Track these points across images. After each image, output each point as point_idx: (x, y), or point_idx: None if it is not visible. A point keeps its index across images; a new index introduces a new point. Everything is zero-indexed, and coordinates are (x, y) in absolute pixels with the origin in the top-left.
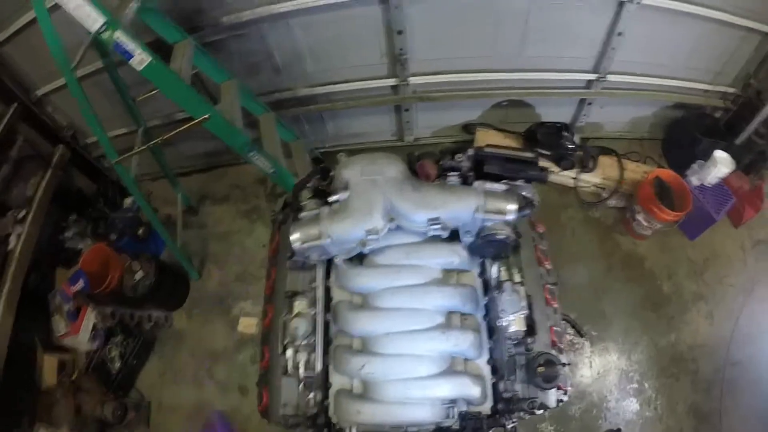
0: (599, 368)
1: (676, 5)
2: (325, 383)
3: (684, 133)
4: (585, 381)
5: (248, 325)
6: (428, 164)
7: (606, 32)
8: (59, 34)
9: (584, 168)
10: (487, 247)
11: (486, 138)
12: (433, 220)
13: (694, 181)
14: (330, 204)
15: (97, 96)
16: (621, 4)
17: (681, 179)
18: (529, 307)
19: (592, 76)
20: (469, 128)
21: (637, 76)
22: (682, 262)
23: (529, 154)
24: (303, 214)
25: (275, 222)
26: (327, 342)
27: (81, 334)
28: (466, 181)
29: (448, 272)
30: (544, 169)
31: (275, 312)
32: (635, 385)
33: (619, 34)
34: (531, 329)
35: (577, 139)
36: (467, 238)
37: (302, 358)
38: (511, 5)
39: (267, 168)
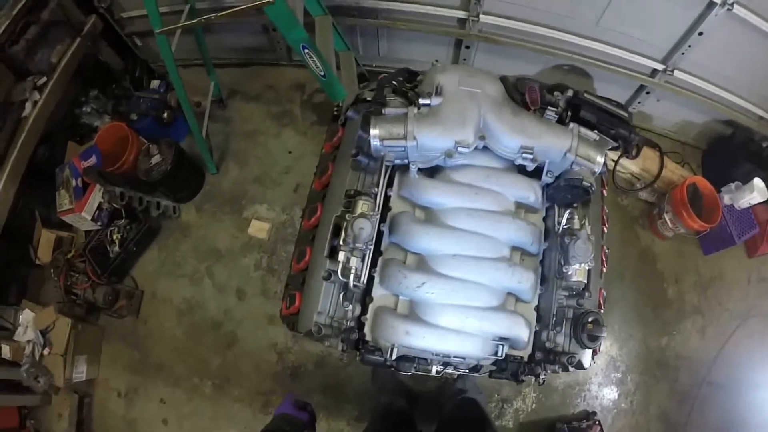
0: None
1: (764, 25)
2: (365, 297)
3: (727, 151)
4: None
5: (260, 229)
6: (538, 90)
7: (687, 27)
8: None
9: (627, 153)
10: (565, 191)
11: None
12: (527, 149)
13: (726, 200)
14: (419, 106)
15: None
16: (710, 5)
17: (715, 193)
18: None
19: (659, 66)
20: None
21: (702, 80)
22: (691, 273)
23: (624, 113)
24: (387, 110)
25: (338, 116)
26: (378, 254)
27: (84, 212)
28: (561, 121)
29: (519, 208)
30: (634, 131)
31: (327, 210)
32: (619, 375)
33: (700, 33)
34: (587, 285)
35: (632, 120)
36: (547, 178)
37: (354, 263)
38: None
39: (318, 70)
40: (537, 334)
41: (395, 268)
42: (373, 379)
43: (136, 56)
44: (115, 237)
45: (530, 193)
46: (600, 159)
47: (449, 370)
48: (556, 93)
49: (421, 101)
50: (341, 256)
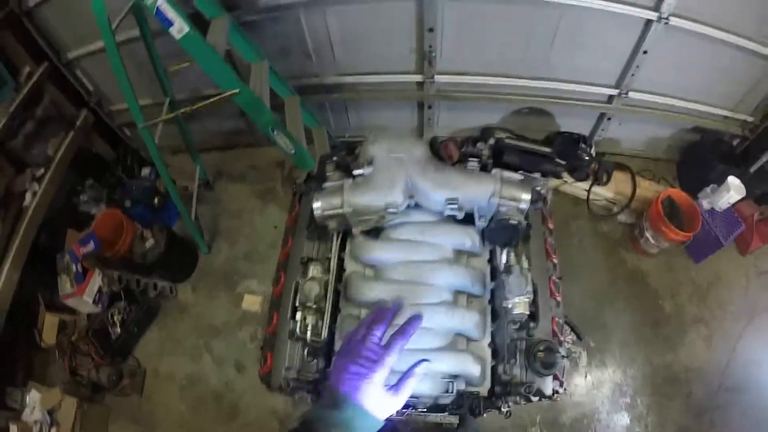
0: (594, 379)
1: (704, 30)
2: (329, 350)
3: (699, 157)
4: (579, 391)
5: (252, 302)
6: (452, 146)
7: (631, 49)
8: None
9: (598, 181)
10: (499, 232)
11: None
12: (451, 200)
13: (705, 204)
14: (354, 177)
15: (127, 65)
16: (648, 23)
17: (692, 201)
18: (534, 294)
19: (613, 92)
20: (487, 132)
21: (659, 95)
22: (686, 284)
23: (546, 149)
24: (327, 184)
25: (296, 193)
26: (335, 311)
27: (86, 296)
28: (485, 168)
29: (459, 254)
30: (559, 165)
31: (288, 277)
32: (628, 400)
33: (645, 52)
34: (534, 316)
35: (593, 151)
36: (481, 222)
37: (311, 321)
38: (542, 14)
39: (288, 148)
40: (494, 369)
41: (346, 321)
42: None
43: (126, 145)
44: (116, 318)
45: (465, 239)
46: (525, 196)
47: (411, 410)
48: (479, 143)
49: (355, 172)
50: (298, 315)
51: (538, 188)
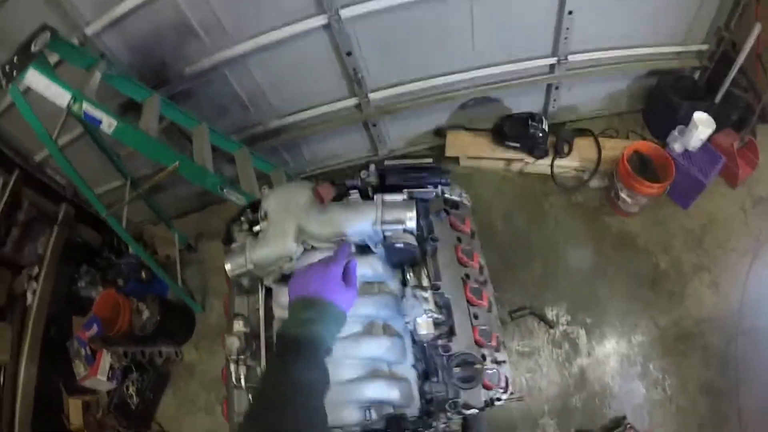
0: (598, 356)
1: None
2: None
3: (662, 101)
4: (585, 371)
5: None
6: (322, 188)
7: (555, 13)
8: (41, 106)
9: (559, 154)
10: (393, 255)
11: (457, 140)
12: (334, 236)
13: (677, 147)
14: (255, 234)
15: (87, 155)
16: None
17: (660, 149)
18: (447, 309)
19: (552, 60)
20: (440, 132)
21: (601, 50)
22: (678, 234)
23: (427, 160)
24: (233, 245)
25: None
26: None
27: (99, 375)
28: (368, 197)
29: (369, 284)
30: (446, 172)
31: (225, 332)
32: (639, 369)
33: (570, 12)
34: (452, 330)
35: (546, 126)
36: (378, 250)
37: (242, 371)
38: (453, 7)
39: (240, 201)
40: (421, 389)
41: None
42: None
43: (110, 228)
44: (131, 390)
45: (366, 269)
46: (409, 215)
47: None
48: (363, 172)
49: (254, 229)
50: (231, 366)
51: (446, 197)
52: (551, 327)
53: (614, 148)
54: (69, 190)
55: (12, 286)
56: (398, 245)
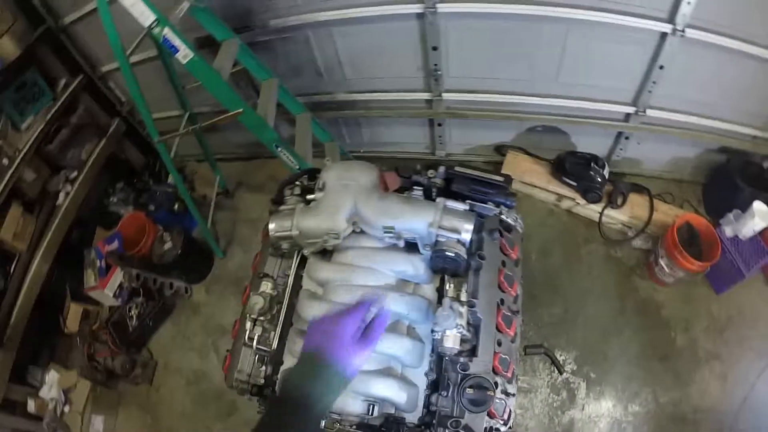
0: (591, 413)
1: (724, 41)
2: (278, 360)
3: (726, 180)
4: (574, 423)
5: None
6: (388, 176)
7: (647, 64)
8: (122, 21)
9: (612, 204)
10: (439, 262)
11: (515, 162)
12: (388, 228)
13: (728, 231)
14: (308, 202)
15: (153, 79)
16: (663, 36)
17: (712, 228)
18: (476, 329)
19: (630, 109)
20: (501, 150)
21: (680, 113)
22: (703, 317)
23: (498, 178)
24: (282, 207)
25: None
26: (288, 324)
27: (107, 290)
28: (430, 197)
29: (404, 282)
30: (511, 195)
31: (251, 289)
32: None
33: (661, 67)
34: (474, 350)
35: (607, 173)
36: (425, 252)
37: (257, 332)
38: (548, 29)
39: (291, 164)
40: (428, 398)
41: (292, 335)
42: None
43: (155, 153)
44: (133, 312)
45: (408, 267)
46: (466, 227)
47: (339, 427)
48: (431, 171)
49: (309, 197)
50: (248, 324)
51: (503, 218)
52: (560, 372)
53: (666, 213)
54: (125, 107)
55: (47, 183)
56: (449, 254)
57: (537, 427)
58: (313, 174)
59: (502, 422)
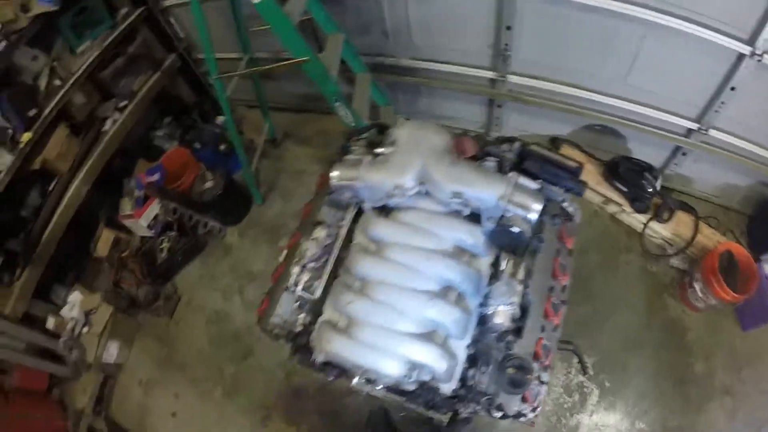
0: (598, 421)
1: None
2: (317, 310)
3: None
4: (579, 428)
5: None
6: (467, 141)
7: (719, 83)
8: None
9: (658, 217)
10: (502, 237)
11: (569, 156)
12: (457, 194)
13: (767, 269)
14: (375, 155)
15: (216, 19)
16: (740, 57)
17: (752, 261)
18: (524, 310)
19: (693, 125)
20: (556, 142)
21: (740, 139)
22: (725, 350)
23: (572, 164)
24: (348, 157)
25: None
26: (334, 275)
27: (142, 220)
28: (502, 170)
29: (460, 250)
30: (582, 183)
31: (302, 233)
32: None
33: (732, 88)
34: (519, 331)
35: (659, 185)
36: (488, 224)
37: (304, 278)
38: (626, 28)
39: (348, 120)
40: (465, 372)
41: (338, 287)
42: (366, 423)
43: (207, 93)
44: (164, 245)
45: (467, 236)
46: (536, 207)
47: (371, 386)
48: (506, 145)
49: (377, 150)
50: (295, 269)
51: (564, 205)
52: (585, 373)
53: (709, 237)
54: (183, 43)
55: (96, 109)
56: (515, 229)
57: (543, 424)
58: (383, 129)
59: (530, 408)
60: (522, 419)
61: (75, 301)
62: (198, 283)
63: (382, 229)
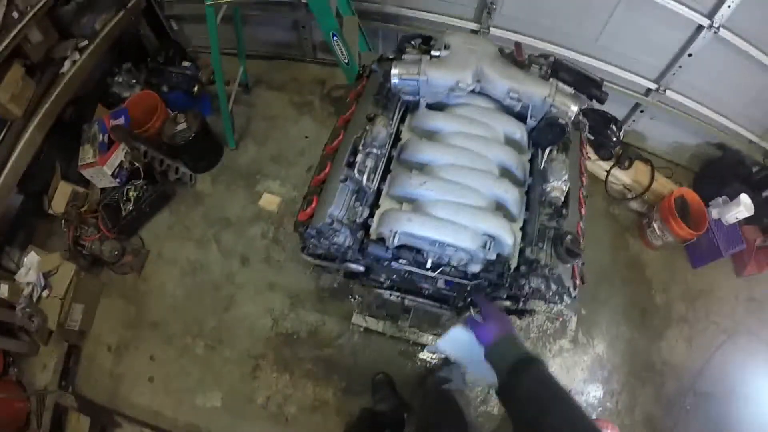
0: (578, 346)
1: (749, 49)
2: (374, 202)
3: (718, 173)
4: (563, 352)
5: (270, 202)
6: (520, 48)
7: (678, 49)
8: None
9: (620, 164)
10: (546, 131)
11: None
12: (513, 91)
13: (714, 214)
14: (431, 57)
15: None
16: (699, 28)
17: (702, 206)
18: (567, 192)
19: (652, 85)
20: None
21: (693, 101)
22: (680, 284)
23: (597, 77)
24: (406, 56)
25: (362, 73)
26: (387, 170)
27: (106, 167)
28: (543, 77)
29: (511, 142)
30: (605, 93)
31: (348, 133)
32: (605, 374)
33: (689, 55)
34: (566, 205)
35: (621, 135)
36: (531, 122)
37: (369, 164)
38: None
39: (342, 57)
40: (522, 252)
41: (403, 172)
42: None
43: (170, 38)
44: (131, 195)
45: (516, 130)
46: (574, 108)
47: (445, 267)
48: (541, 58)
49: (432, 53)
50: (359, 156)
51: (581, 117)
52: (583, 282)
53: (664, 186)
54: None
55: (53, 49)
56: (561, 121)
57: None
58: (427, 39)
59: (573, 285)
60: (565, 301)
61: (32, 263)
62: (168, 234)
63: (441, 120)
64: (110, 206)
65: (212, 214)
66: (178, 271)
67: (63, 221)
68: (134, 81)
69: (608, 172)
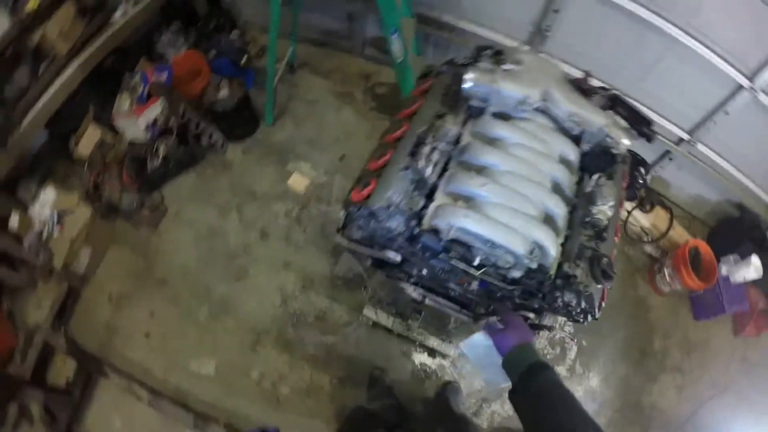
0: (574, 375)
1: None
2: (429, 194)
3: (733, 232)
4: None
5: (299, 182)
6: (587, 79)
7: (716, 105)
8: None
9: (642, 207)
10: (596, 157)
11: None
12: (574, 115)
13: (724, 270)
14: (504, 70)
15: None
16: (739, 88)
17: (714, 260)
18: (608, 219)
19: (685, 136)
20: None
21: (721, 157)
22: (680, 332)
23: (649, 117)
24: (479, 64)
25: (428, 74)
26: (445, 167)
27: (141, 119)
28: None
29: (564, 161)
30: (653, 133)
31: (414, 125)
32: (596, 407)
33: (726, 112)
34: (606, 230)
35: (649, 179)
36: (585, 146)
37: (435, 158)
38: (654, 40)
39: (397, 55)
40: (560, 266)
41: (464, 172)
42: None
43: (221, 7)
44: (160, 150)
45: (571, 151)
46: (626, 141)
47: (489, 268)
48: (601, 89)
49: (504, 66)
50: (425, 149)
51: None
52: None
53: (680, 235)
54: None
55: None
56: (614, 150)
57: None
58: (498, 52)
59: (599, 306)
60: (588, 319)
61: (48, 199)
62: (190, 195)
63: (506, 130)
64: (136, 160)
65: (239, 184)
66: (194, 234)
67: (86, 164)
68: (180, 41)
69: (629, 212)
